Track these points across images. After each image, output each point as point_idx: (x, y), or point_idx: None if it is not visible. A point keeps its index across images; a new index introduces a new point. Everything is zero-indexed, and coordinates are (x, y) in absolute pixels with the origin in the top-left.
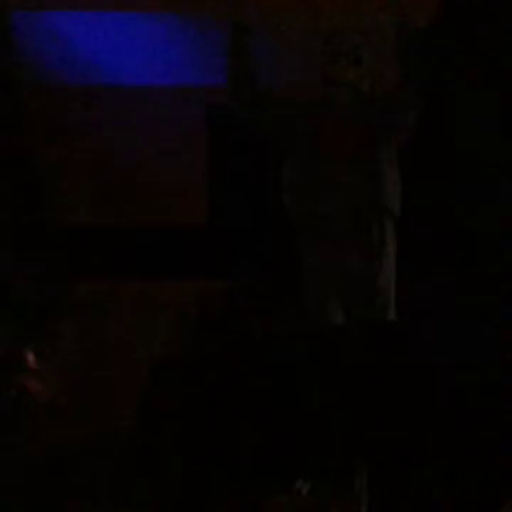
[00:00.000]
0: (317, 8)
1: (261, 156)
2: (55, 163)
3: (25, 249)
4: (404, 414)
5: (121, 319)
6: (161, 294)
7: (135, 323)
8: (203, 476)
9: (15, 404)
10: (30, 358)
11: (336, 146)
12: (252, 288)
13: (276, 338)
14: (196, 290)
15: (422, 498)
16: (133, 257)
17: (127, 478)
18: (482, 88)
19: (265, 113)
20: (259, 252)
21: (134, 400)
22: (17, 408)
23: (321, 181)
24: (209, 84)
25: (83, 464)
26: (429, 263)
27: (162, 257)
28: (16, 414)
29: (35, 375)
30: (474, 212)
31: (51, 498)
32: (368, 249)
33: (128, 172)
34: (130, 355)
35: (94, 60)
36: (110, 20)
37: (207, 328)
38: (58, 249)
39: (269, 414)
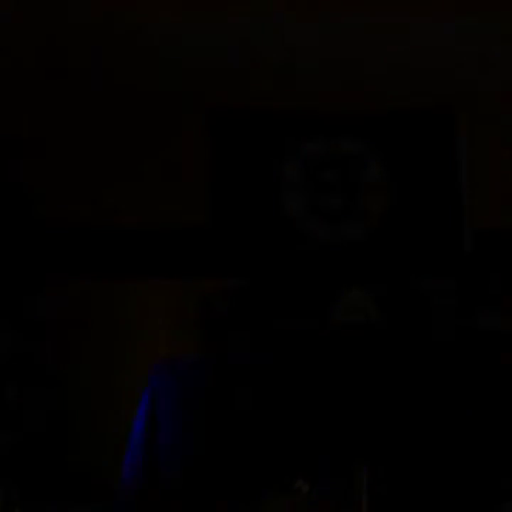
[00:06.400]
0: None
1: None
2: None
3: None
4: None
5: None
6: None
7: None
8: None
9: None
10: None
11: None
12: (252, 288)
13: None
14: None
15: (422, 498)
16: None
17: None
18: None
19: None
20: (260, 252)
21: (134, 401)
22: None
23: None
24: None
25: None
26: None
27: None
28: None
29: None
30: None
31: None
32: None
33: None
34: (130, 355)
35: None
36: None
37: (207, 328)
38: None
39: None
